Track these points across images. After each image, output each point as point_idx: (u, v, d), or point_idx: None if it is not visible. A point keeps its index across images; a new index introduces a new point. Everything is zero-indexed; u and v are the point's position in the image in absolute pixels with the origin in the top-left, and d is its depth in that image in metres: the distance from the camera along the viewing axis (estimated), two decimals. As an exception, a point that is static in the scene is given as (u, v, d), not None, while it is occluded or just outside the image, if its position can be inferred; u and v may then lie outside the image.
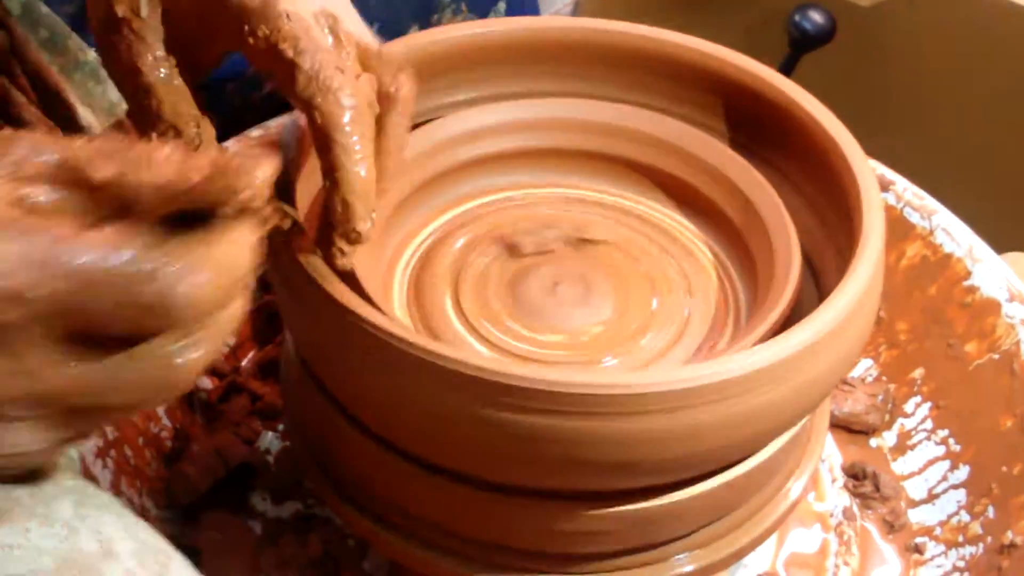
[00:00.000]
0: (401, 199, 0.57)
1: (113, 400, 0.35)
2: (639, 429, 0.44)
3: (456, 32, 0.59)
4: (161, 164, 0.35)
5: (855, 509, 0.64)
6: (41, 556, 0.32)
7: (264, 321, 0.70)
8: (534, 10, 0.88)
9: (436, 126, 0.59)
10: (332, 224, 0.45)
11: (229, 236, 0.36)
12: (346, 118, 0.44)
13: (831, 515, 0.63)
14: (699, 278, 0.57)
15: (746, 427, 0.46)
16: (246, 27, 0.44)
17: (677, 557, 0.52)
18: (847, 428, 0.67)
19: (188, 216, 0.35)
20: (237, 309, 0.37)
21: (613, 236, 0.58)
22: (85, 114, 0.69)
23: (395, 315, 0.53)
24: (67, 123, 0.68)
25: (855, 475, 0.65)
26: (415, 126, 0.59)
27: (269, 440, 0.65)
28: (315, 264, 0.47)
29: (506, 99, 0.60)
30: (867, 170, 0.52)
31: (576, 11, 1.26)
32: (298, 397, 0.55)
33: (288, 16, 0.44)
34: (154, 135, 0.47)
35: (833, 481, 0.65)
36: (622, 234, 0.58)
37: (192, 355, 0.35)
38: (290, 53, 0.44)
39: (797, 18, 0.96)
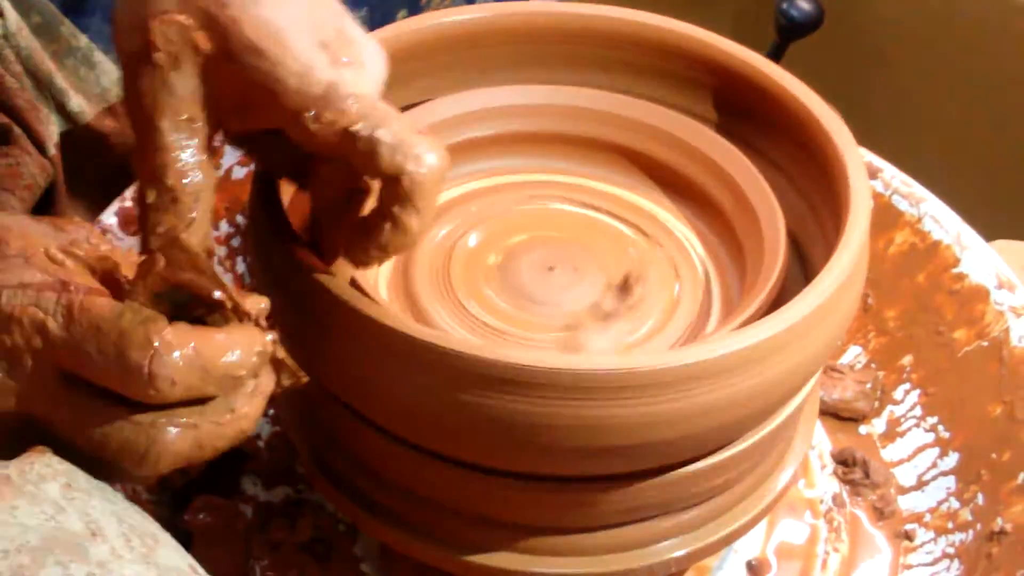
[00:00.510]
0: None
1: (87, 445, 0.38)
2: (620, 413, 0.44)
3: (445, 18, 0.59)
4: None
5: (845, 496, 0.64)
6: (26, 533, 0.32)
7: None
8: None
9: (423, 110, 0.59)
10: (373, 244, 0.46)
11: (225, 334, 0.40)
12: (431, 181, 0.44)
13: (821, 501, 0.63)
14: (687, 262, 0.57)
15: (730, 411, 0.46)
16: (308, 114, 0.44)
17: (667, 541, 0.52)
18: (836, 415, 0.68)
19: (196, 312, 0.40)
20: (239, 413, 0.41)
21: (602, 221, 0.58)
22: (77, 100, 0.68)
23: (380, 297, 0.53)
24: (60, 109, 0.68)
25: (844, 461, 0.65)
26: (408, 108, 0.59)
27: (260, 425, 0.65)
28: (298, 249, 0.47)
29: (494, 84, 0.60)
30: (855, 154, 0.52)
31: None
32: (288, 386, 0.55)
33: (355, 98, 0.44)
34: (150, 193, 0.45)
35: (823, 468, 0.65)
36: (611, 219, 0.58)
37: (166, 433, 0.39)
38: (366, 131, 0.44)
39: (785, 6, 0.97)
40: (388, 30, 0.57)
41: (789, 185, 0.57)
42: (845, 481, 0.65)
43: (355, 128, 0.44)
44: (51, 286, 0.39)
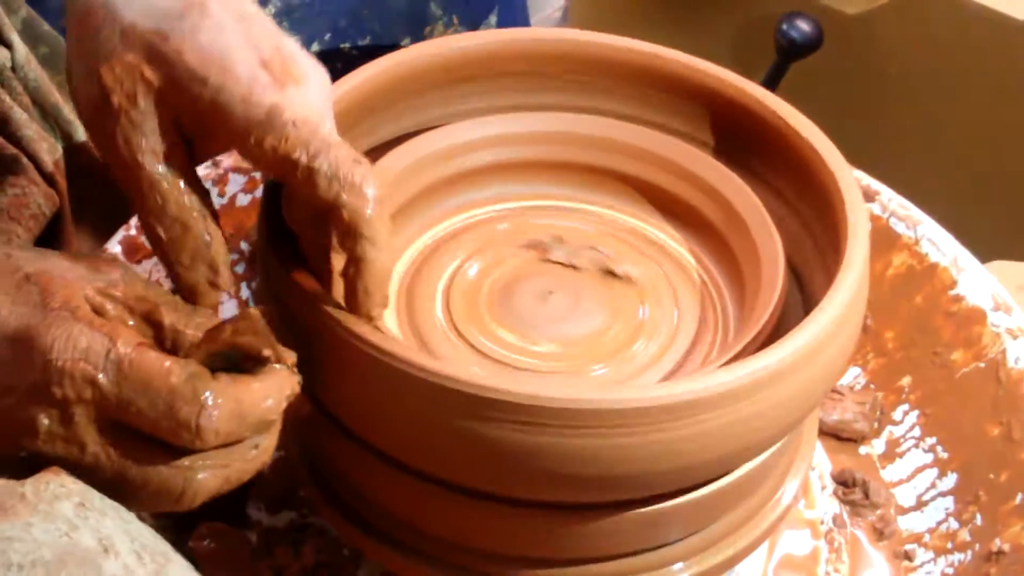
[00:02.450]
0: (392, 212, 0.58)
1: (124, 483, 0.41)
2: (617, 444, 0.45)
3: (447, 46, 0.60)
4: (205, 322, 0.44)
5: (845, 516, 0.64)
6: (41, 548, 0.33)
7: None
8: (525, 22, 0.89)
9: (425, 139, 0.59)
10: (356, 291, 0.47)
11: (260, 382, 0.43)
12: (371, 210, 0.45)
13: (821, 522, 0.64)
14: (686, 288, 0.58)
15: (731, 442, 0.47)
16: (252, 138, 0.45)
17: (671, 568, 0.53)
18: (836, 436, 0.68)
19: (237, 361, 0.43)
20: (262, 448, 0.44)
21: (601, 247, 0.59)
22: (83, 131, 0.69)
23: (384, 324, 0.54)
24: (67, 140, 0.69)
25: (845, 482, 0.65)
26: (408, 137, 0.60)
27: (263, 451, 0.65)
28: (303, 278, 0.48)
29: (495, 112, 0.61)
30: (851, 181, 0.53)
31: (565, 18, 1.27)
32: (292, 407, 0.55)
33: (295, 123, 0.44)
34: (159, 230, 0.46)
35: (823, 488, 0.66)
36: (610, 244, 0.59)
37: (201, 475, 0.42)
38: (304, 159, 0.44)
39: (784, 27, 0.97)
40: (392, 58, 0.58)
41: (787, 209, 0.58)
42: (845, 502, 0.65)
43: (295, 156, 0.44)
44: (100, 342, 0.41)
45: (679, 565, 0.53)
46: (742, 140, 0.59)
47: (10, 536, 0.34)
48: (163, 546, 0.36)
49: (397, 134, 0.59)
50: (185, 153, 0.46)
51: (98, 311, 0.43)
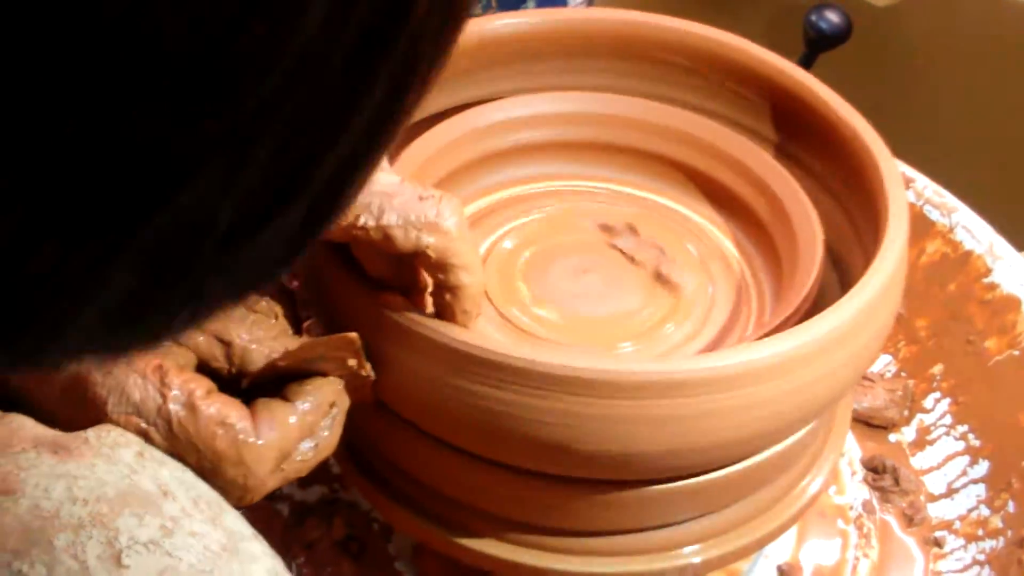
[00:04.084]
0: (434, 183, 0.58)
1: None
2: (652, 415, 0.44)
3: (497, 23, 0.60)
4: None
5: (875, 502, 0.64)
6: (104, 486, 0.33)
7: (297, 305, 0.71)
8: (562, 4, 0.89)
9: (472, 115, 0.59)
10: (453, 317, 0.47)
11: (295, 416, 0.44)
12: (455, 240, 0.44)
13: (850, 508, 0.64)
14: (723, 270, 0.58)
15: (764, 418, 0.46)
16: None
17: (695, 546, 0.52)
18: (866, 423, 0.68)
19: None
20: (320, 446, 0.46)
21: (641, 228, 0.59)
22: None
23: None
24: None
25: (875, 469, 0.65)
26: (452, 112, 0.59)
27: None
28: (335, 252, 0.48)
29: (542, 90, 0.61)
30: (892, 165, 0.53)
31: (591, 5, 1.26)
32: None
33: None
34: None
35: (853, 475, 0.66)
36: (649, 225, 0.59)
37: (264, 481, 0.44)
38: (372, 222, 0.43)
39: (813, 17, 0.97)
40: None
41: (829, 196, 0.58)
42: (875, 488, 0.65)
43: (361, 223, 0.44)
44: (152, 397, 0.42)
45: (705, 544, 0.52)
46: (789, 125, 0.59)
47: (75, 474, 0.34)
48: (217, 497, 0.37)
49: (440, 110, 0.59)
50: None
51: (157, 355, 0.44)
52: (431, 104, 0.59)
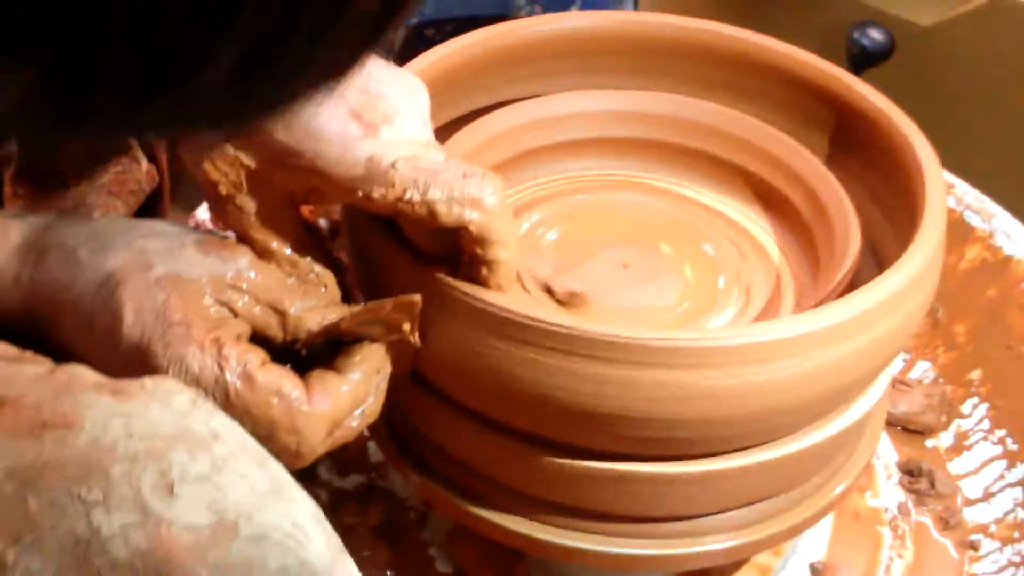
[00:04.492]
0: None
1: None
2: (697, 384, 0.45)
3: (558, 24, 0.61)
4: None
5: (910, 505, 0.64)
6: (158, 426, 0.35)
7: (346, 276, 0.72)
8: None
9: (524, 107, 0.61)
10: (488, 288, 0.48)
11: (347, 385, 0.46)
12: (497, 219, 0.46)
13: (885, 510, 0.64)
14: (762, 263, 0.58)
15: (796, 391, 0.47)
16: (360, 193, 0.46)
17: (706, 536, 0.53)
18: (903, 427, 0.68)
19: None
20: (366, 413, 0.48)
21: (680, 222, 0.60)
22: None
23: None
24: None
25: (910, 472, 0.65)
26: (496, 107, 0.61)
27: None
28: (381, 225, 0.49)
29: (595, 88, 0.62)
30: (930, 156, 0.54)
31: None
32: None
33: (395, 166, 0.45)
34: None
35: (888, 478, 0.66)
36: (688, 220, 0.60)
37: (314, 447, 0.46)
38: (417, 196, 0.45)
39: (856, 35, 0.98)
40: (493, 31, 0.59)
41: (869, 195, 0.58)
42: (911, 491, 0.65)
43: (407, 197, 0.45)
44: (210, 368, 0.44)
45: (720, 536, 0.53)
46: (825, 122, 0.60)
47: (131, 413, 0.36)
48: (265, 451, 0.38)
49: (491, 103, 0.61)
50: (297, 222, 0.49)
51: (226, 306, 0.46)
52: (479, 98, 0.61)
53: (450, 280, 0.47)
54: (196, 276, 0.45)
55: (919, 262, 0.49)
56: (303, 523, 0.38)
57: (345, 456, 0.65)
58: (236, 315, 0.46)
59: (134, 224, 0.49)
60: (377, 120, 0.46)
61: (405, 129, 0.47)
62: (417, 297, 0.45)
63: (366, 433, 0.64)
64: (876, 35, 0.98)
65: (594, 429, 0.47)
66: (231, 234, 0.50)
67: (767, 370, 0.45)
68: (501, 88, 0.61)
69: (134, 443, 0.35)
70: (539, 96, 0.61)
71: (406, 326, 0.46)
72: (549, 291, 0.55)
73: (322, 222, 0.74)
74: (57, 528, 0.33)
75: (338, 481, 0.64)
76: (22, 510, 0.34)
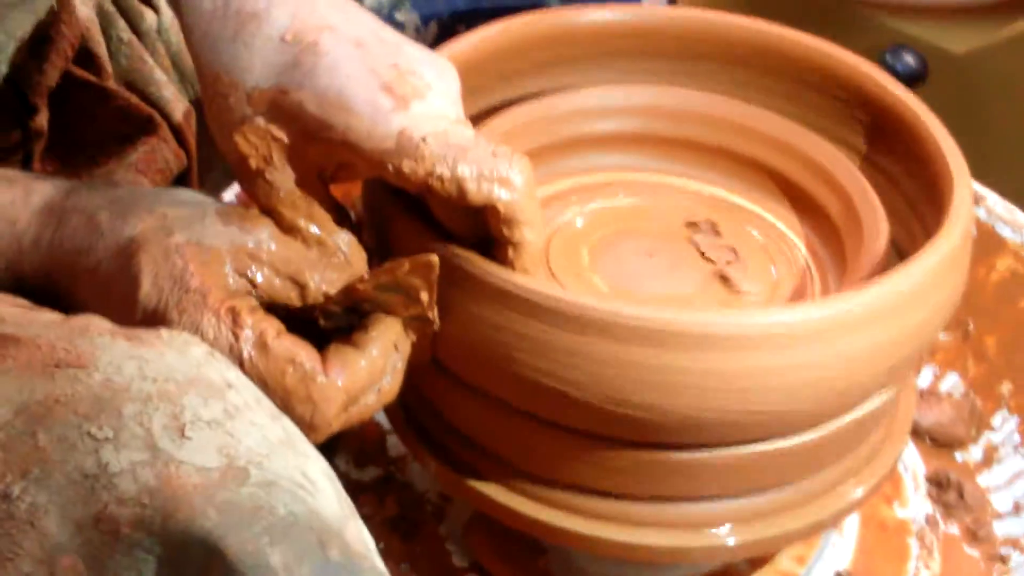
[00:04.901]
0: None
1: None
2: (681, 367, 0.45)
3: (593, 14, 0.61)
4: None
5: (938, 517, 0.63)
6: (172, 371, 0.35)
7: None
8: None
9: (560, 98, 0.61)
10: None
11: (367, 359, 0.46)
12: (525, 198, 0.46)
13: (913, 521, 0.62)
14: (788, 260, 0.58)
15: (820, 379, 0.46)
16: (390, 167, 0.45)
17: (719, 528, 0.52)
18: (932, 439, 0.67)
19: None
20: (384, 391, 0.47)
21: (708, 217, 0.59)
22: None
23: None
24: (200, 103, 0.72)
25: (939, 483, 0.64)
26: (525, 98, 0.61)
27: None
28: (405, 203, 0.49)
29: (631, 83, 0.62)
30: (957, 157, 0.54)
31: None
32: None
33: (426, 140, 0.45)
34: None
35: (916, 489, 0.64)
36: (715, 216, 0.59)
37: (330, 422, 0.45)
38: (447, 172, 0.45)
39: (890, 59, 0.98)
40: (531, 17, 0.60)
41: (897, 192, 0.58)
42: (939, 503, 0.63)
43: (437, 171, 0.45)
44: (225, 336, 0.43)
45: (728, 527, 0.52)
46: (858, 122, 0.59)
47: (147, 358, 0.36)
48: (279, 411, 0.38)
49: (521, 94, 0.61)
50: (325, 198, 0.48)
51: (245, 276, 0.46)
52: (507, 89, 0.61)
53: (472, 259, 0.47)
54: (216, 245, 0.45)
55: (944, 250, 0.48)
56: (315, 477, 0.37)
57: (364, 448, 0.65)
58: (255, 285, 0.46)
59: (157, 192, 0.49)
60: (408, 94, 0.46)
61: (436, 105, 0.46)
62: (434, 258, 0.45)
63: (386, 426, 0.64)
64: (909, 60, 0.98)
65: (632, 419, 0.47)
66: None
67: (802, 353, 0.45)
68: (530, 80, 0.61)
69: (147, 385, 0.35)
70: (571, 88, 0.61)
71: (424, 295, 0.46)
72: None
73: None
74: (65, 463, 0.33)
75: (356, 473, 0.64)
76: (31, 444, 0.34)
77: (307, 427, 0.44)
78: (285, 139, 0.46)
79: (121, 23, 0.66)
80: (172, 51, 0.71)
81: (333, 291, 0.47)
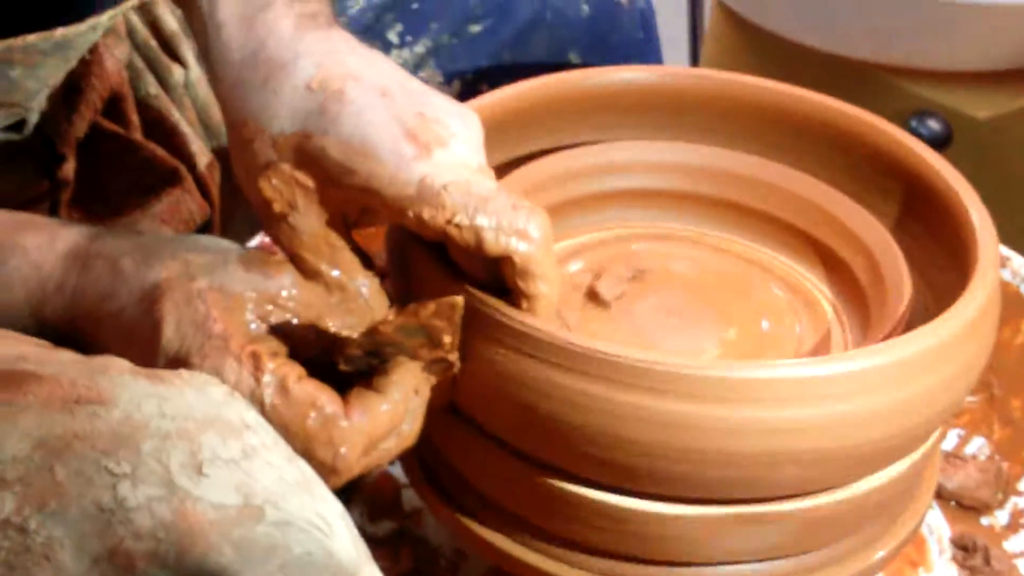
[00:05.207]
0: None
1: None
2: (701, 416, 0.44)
3: (616, 75, 0.62)
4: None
5: (964, 582, 0.61)
6: (191, 409, 0.35)
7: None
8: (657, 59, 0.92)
9: (581, 154, 0.61)
10: None
11: (386, 403, 0.45)
12: (540, 250, 0.46)
13: (938, 586, 0.61)
14: (812, 320, 0.57)
15: (827, 443, 0.46)
16: (410, 213, 0.46)
17: None
18: (958, 503, 0.66)
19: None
20: (403, 435, 0.47)
21: (732, 276, 0.59)
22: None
23: None
24: (226, 158, 0.73)
25: (965, 547, 0.63)
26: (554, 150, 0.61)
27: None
28: (426, 249, 0.49)
29: (657, 139, 0.63)
30: (983, 215, 0.54)
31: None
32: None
33: (447, 188, 0.45)
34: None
35: (941, 553, 0.63)
36: (740, 274, 0.59)
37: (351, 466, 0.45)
38: (466, 220, 0.45)
39: (914, 124, 0.98)
40: (559, 79, 0.61)
41: (923, 254, 0.58)
42: (964, 567, 0.62)
43: (456, 220, 0.45)
44: (246, 381, 0.44)
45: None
46: (888, 186, 0.59)
47: (166, 396, 0.36)
48: (292, 448, 0.38)
49: (550, 147, 0.62)
50: (348, 243, 0.49)
51: (267, 321, 0.46)
52: (529, 145, 0.62)
53: (494, 306, 0.47)
54: (238, 291, 0.46)
55: (970, 309, 0.48)
56: (331, 519, 0.37)
57: (378, 502, 0.64)
58: (276, 331, 0.46)
59: (180, 238, 0.49)
60: (431, 142, 0.46)
61: (459, 153, 0.47)
62: (459, 299, 0.45)
63: (401, 480, 0.64)
64: (934, 125, 0.98)
65: (657, 475, 0.46)
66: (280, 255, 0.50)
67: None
68: (555, 135, 0.62)
69: (166, 423, 0.35)
70: (596, 143, 0.62)
71: (447, 338, 0.46)
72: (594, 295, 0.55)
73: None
74: (82, 497, 0.33)
75: (371, 527, 0.63)
76: (49, 479, 0.34)
77: (328, 471, 0.44)
78: (310, 184, 0.47)
79: (150, 77, 0.68)
80: (198, 105, 0.72)
81: (354, 336, 0.47)
